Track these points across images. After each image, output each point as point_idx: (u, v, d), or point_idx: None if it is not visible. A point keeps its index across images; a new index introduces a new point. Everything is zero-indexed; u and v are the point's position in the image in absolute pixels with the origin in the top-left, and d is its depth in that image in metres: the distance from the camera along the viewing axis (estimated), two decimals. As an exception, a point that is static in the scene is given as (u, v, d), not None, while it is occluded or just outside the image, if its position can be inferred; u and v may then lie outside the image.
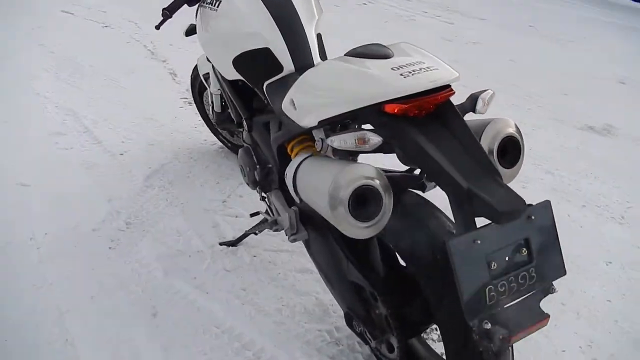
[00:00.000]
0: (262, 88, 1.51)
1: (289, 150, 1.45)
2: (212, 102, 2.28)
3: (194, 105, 2.64)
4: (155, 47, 3.92)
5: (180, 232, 2.01)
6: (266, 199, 1.77)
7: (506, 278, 0.90)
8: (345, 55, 1.14)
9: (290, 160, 1.46)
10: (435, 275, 1.05)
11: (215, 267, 1.84)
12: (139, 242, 1.94)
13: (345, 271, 1.29)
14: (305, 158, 1.21)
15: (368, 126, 1.19)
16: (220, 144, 2.63)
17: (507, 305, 0.92)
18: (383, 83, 0.99)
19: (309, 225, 1.36)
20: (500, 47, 5.02)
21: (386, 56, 1.07)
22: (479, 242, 0.88)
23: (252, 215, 1.82)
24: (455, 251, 0.87)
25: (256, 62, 1.53)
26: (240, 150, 1.79)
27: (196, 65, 2.40)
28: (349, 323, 1.33)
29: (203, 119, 2.62)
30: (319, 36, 1.59)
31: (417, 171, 1.33)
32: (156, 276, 1.78)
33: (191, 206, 2.18)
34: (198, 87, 2.50)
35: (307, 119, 1.18)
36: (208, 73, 2.21)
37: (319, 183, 1.03)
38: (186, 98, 3.13)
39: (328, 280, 1.39)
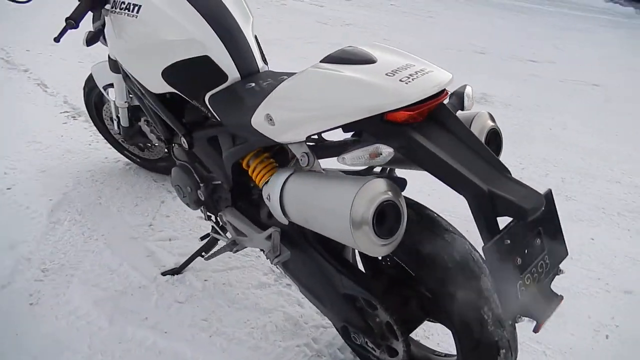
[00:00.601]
0: (204, 100, 1.37)
1: (244, 165, 1.35)
2: (118, 116, 2.04)
3: (81, 119, 2.33)
4: (9, 54, 3.37)
5: (113, 269, 1.78)
6: (214, 219, 1.64)
7: (529, 270, 0.94)
8: (322, 62, 1.07)
9: (247, 176, 1.37)
10: (446, 279, 1.06)
11: (166, 301, 1.67)
12: (65, 290, 1.68)
13: (337, 285, 1.25)
14: (289, 176, 1.13)
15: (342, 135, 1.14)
16: (127, 160, 2.36)
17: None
18: (387, 91, 0.94)
19: (290, 244, 1.28)
20: (371, 27, 5.22)
21: (370, 60, 1.03)
22: (508, 242, 0.90)
23: (202, 238, 1.68)
24: (491, 255, 0.88)
25: (193, 72, 1.39)
26: (175, 170, 1.62)
27: (90, 76, 2.11)
28: (346, 337, 1.30)
29: (102, 134, 2.33)
30: (256, 39, 1.49)
31: (378, 169, 1.33)
32: (101, 326, 1.56)
33: (115, 236, 1.93)
34: (94, 100, 2.21)
35: (289, 134, 1.10)
36: (110, 84, 1.96)
37: (330, 204, 0.97)
38: (67, 112, 2.76)
39: (317, 298, 1.33)
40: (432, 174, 0.96)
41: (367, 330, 1.24)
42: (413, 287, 1.27)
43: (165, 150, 2.20)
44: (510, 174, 0.97)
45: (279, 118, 1.09)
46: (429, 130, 0.98)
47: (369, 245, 0.94)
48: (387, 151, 0.94)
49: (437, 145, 0.95)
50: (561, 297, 1.01)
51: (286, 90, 1.08)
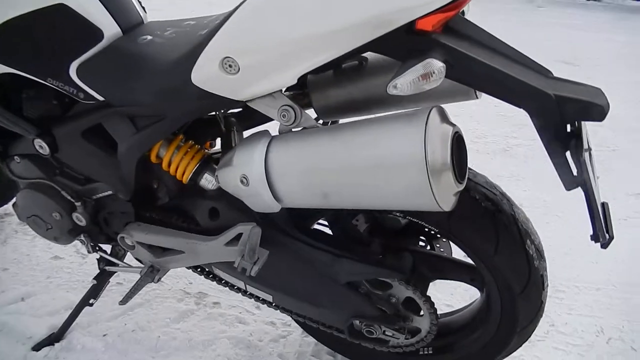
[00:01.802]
0: (68, 75, 0.93)
1: (153, 158, 0.97)
2: None
3: None
4: None
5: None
6: (99, 248, 1.18)
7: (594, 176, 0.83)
8: None
9: (149, 174, 1.00)
10: (482, 220, 0.90)
11: (59, 383, 1.14)
12: None
13: (337, 275, 0.97)
14: (269, 144, 0.81)
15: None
16: None
17: None
18: None
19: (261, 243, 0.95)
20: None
21: None
22: (591, 151, 0.76)
23: (96, 278, 1.19)
24: (586, 166, 0.73)
25: (41, 34, 0.92)
26: (23, 194, 1.11)
27: None
28: (357, 336, 1.03)
29: None
30: None
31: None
32: None
33: None
34: None
35: (264, 83, 0.77)
36: None
37: (388, 158, 0.70)
38: None
39: (309, 301, 1.02)
40: (482, 88, 0.76)
41: (383, 318, 1.00)
42: (408, 245, 1.07)
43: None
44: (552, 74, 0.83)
45: (247, 61, 0.75)
46: (456, 39, 0.77)
47: (447, 196, 0.71)
48: (439, 66, 0.70)
49: (476, 54, 0.76)
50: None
51: (254, 16, 0.74)
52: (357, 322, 1.02)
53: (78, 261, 1.54)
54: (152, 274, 1.09)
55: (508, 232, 0.90)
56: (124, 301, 1.12)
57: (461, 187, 0.73)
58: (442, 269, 1.07)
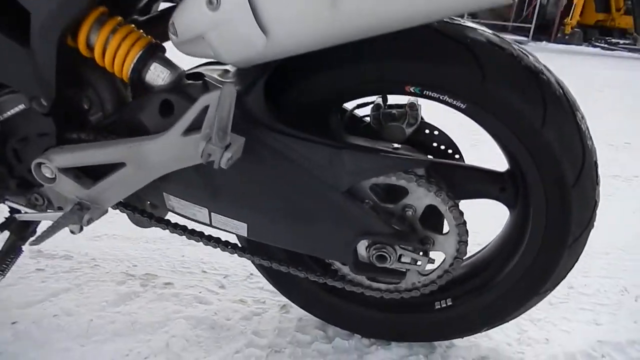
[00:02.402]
0: None
1: (83, 49, 0.73)
2: None
3: None
4: None
5: None
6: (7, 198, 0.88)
7: None
8: None
9: (80, 68, 0.76)
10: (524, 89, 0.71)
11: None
12: None
13: (336, 179, 0.72)
14: None
15: None
16: None
17: None
18: None
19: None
20: None
21: None
22: None
23: (1, 226, 0.87)
24: None
25: None
26: None
27: None
28: (365, 269, 0.77)
29: None
30: None
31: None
32: None
33: None
34: None
35: None
36: None
37: None
38: None
39: (300, 221, 0.75)
40: None
41: (398, 235, 0.76)
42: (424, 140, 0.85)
43: None
44: None
45: None
46: None
47: None
48: None
49: None
50: None
51: None
52: (364, 250, 0.77)
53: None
54: (80, 212, 0.80)
55: (556, 98, 0.71)
56: (36, 241, 0.80)
57: None
58: (463, 181, 0.83)
